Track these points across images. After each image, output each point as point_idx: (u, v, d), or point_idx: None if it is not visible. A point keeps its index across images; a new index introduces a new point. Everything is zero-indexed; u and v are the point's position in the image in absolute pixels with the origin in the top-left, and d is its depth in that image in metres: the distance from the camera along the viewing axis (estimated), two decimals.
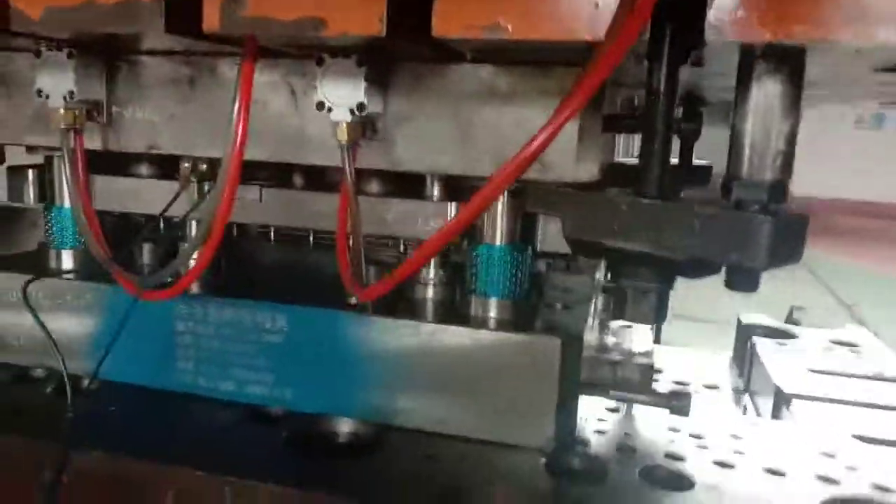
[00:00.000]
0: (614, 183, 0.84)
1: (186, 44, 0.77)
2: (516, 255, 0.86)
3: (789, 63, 0.61)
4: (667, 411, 0.90)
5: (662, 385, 1.41)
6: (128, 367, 0.93)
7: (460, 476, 0.78)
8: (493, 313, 0.86)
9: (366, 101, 0.75)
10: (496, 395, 0.82)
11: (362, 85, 0.75)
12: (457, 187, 0.90)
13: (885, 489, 0.84)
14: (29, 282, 0.91)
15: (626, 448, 0.87)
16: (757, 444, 0.92)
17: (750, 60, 0.62)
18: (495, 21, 0.55)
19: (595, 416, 0.95)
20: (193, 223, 0.95)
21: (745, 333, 1.51)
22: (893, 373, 1.31)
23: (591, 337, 1.24)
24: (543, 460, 0.81)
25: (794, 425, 1.06)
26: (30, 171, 1.03)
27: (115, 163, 0.99)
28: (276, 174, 0.97)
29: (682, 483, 0.81)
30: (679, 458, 0.86)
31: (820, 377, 1.24)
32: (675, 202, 0.66)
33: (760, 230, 0.60)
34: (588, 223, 0.73)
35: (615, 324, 1.39)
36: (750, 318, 1.58)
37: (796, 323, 1.77)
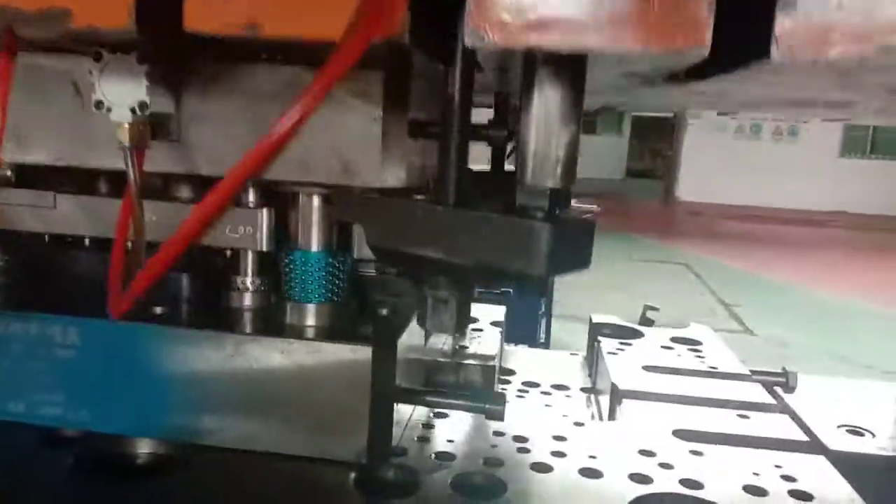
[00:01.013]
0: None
1: None
2: (332, 262, 0.83)
3: (570, 69, 0.61)
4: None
5: (513, 386, 1.42)
6: None
7: (266, 496, 0.74)
8: (306, 321, 0.83)
9: (148, 101, 0.70)
10: (306, 407, 0.78)
11: (144, 83, 0.70)
12: (274, 193, 0.86)
13: (696, 484, 0.87)
14: None
15: (445, 456, 0.86)
16: (579, 445, 0.93)
17: (531, 65, 0.61)
18: (251, 19, 0.52)
19: (421, 423, 0.93)
20: None
21: (594, 333, 1.54)
22: (727, 368, 1.36)
23: (438, 341, 1.23)
24: (353, 475, 0.78)
25: (619, 424, 1.09)
26: None
27: None
28: (82, 180, 0.90)
29: (496, 490, 0.80)
30: (497, 464, 0.85)
31: (653, 375, 1.27)
32: (465, 209, 0.65)
33: (539, 236, 0.59)
34: (388, 231, 0.71)
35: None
36: (600, 318, 1.61)
37: (649, 322, 1.83)
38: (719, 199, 14.25)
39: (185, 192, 0.87)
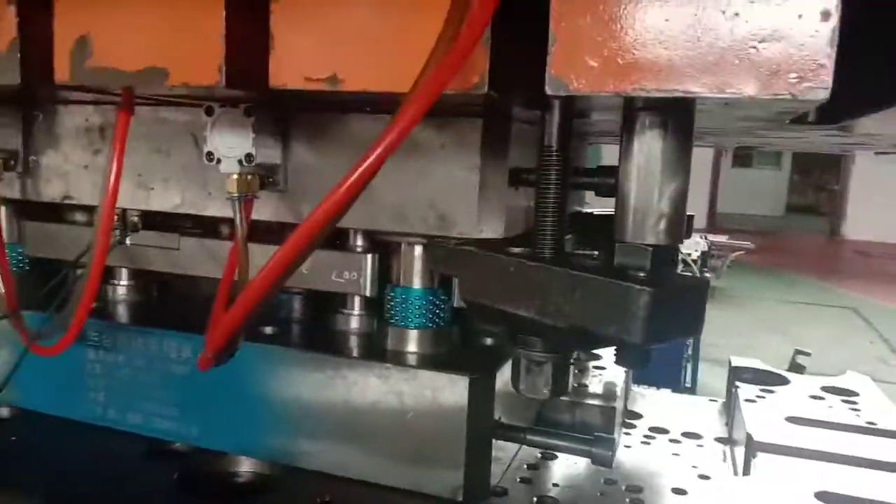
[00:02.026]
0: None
1: (95, 93, 0.76)
2: (432, 298, 0.81)
3: (674, 116, 0.55)
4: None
5: (638, 431, 1.32)
6: (43, 397, 0.91)
7: None
8: (407, 347, 0.81)
9: (254, 152, 0.72)
10: (401, 436, 0.76)
11: (250, 135, 0.72)
12: (380, 240, 0.85)
13: None
14: None
15: (547, 500, 0.80)
16: (702, 501, 0.84)
17: (631, 113, 0.56)
18: (332, 73, 0.52)
19: (526, 464, 0.88)
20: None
21: (733, 378, 1.41)
22: (888, 425, 1.19)
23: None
24: None
25: (752, 481, 0.97)
26: None
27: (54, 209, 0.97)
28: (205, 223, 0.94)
29: None
30: None
31: (798, 427, 1.13)
32: (560, 266, 0.60)
33: (637, 301, 0.54)
34: (482, 285, 0.68)
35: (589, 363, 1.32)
36: (741, 361, 1.47)
37: (800, 369, 1.66)
38: (892, 237, 13.00)
39: None
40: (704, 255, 4.13)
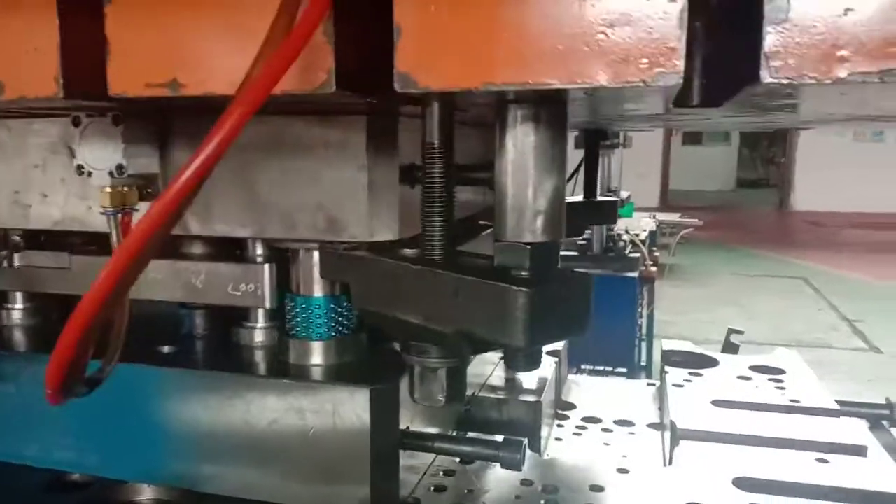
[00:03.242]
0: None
1: None
2: (334, 306, 0.77)
3: (545, 108, 0.53)
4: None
5: (571, 422, 1.31)
6: None
7: None
8: (309, 359, 0.77)
9: (125, 163, 0.67)
10: (305, 454, 0.73)
11: (121, 146, 0.67)
12: (277, 248, 0.81)
13: None
14: None
15: None
16: (618, 498, 0.82)
17: (501, 106, 0.54)
18: (172, 77, 0.48)
19: (442, 469, 0.85)
20: None
21: (664, 362, 1.41)
22: (812, 402, 1.20)
23: (483, 371, 1.15)
24: None
25: (671, 471, 0.96)
26: None
27: None
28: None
29: None
30: None
31: (722, 411, 1.13)
32: (445, 268, 0.58)
33: (516, 302, 0.51)
34: (372, 291, 0.65)
35: None
36: (671, 345, 1.47)
37: (734, 349, 1.67)
38: (839, 207, 13.31)
39: (197, 249, 0.84)
40: (653, 235, 4.16)
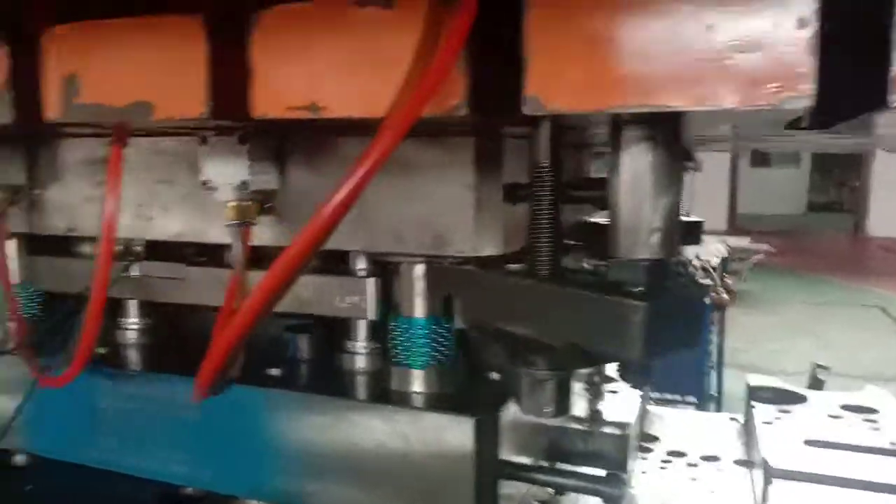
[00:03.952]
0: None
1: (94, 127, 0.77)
2: (435, 328, 0.80)
3: (662, 127, 0.55)
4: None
5: (655, 455, 1.30)
6: (56, 443, 0.91)
7: None
8: (411, 387, 0.80)
9: (249, 180, 0.72)
10: (408, 480, 0.75)
11: (246, 163, 0.72)
12: (384, 262, 0.85)
13: None
14: None
15: None
16: None
17: (618, 125, 0.56)
18: (312, 101, 0.52)
19: (536, 500, 0.87)
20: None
21: (750, 398, 1.39)
22: None
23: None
24: None
25: None
26: None
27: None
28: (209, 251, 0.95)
29: None
30: None
31: (816, 451, 1.11)
32: (557, 283, 0.60)
33: (633, 316, 0.53)
34: (481, 305, 0.67)
35: (603, 387, 1.30)
36: (758, 380, 1.45)
37: (819, 384, 1.63)
38: None
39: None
40: (725, 261, 4.08)
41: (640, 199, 0.55)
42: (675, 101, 0.45)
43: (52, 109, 0.60)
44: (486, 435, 0.74)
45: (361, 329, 0.87)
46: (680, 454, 1.29)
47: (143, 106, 0.57)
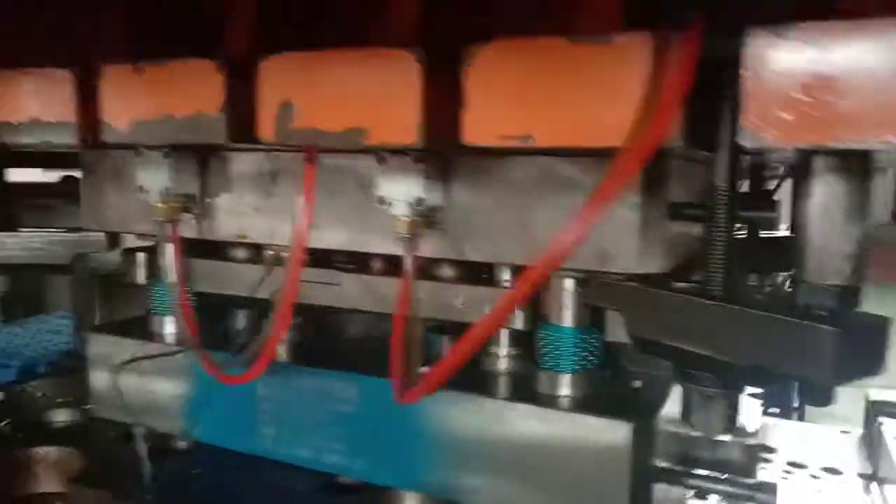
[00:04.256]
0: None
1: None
2: (583, 338, 0.83)
3: (856, 158, 0.56)
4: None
5: (775, 466, 1.30)
6: (218, 431, 0.99)
7: None
8: (562, 391, 0.83)
9: (424, 196, 0.76)
10: (562, 478, 0.78)
11: (421, 181, 0.76)
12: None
13: None
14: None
15: None
16: None
17: (808, 153, 0.58)
18: (525, 132, 0.55)
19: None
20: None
21: (873, 412, 1.37)
22: None
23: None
24: None
25: None
26: (139, 254, 1.11)
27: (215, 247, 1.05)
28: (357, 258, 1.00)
29: None
30: None
31: None
32: (735, 303, 0.62)
33: (826, 342, 0.55)
34: (649, 321, 0.70)
35: None
36: (879, 394, 1.43)
37: None
38: None
39: (447, 272, 0.93)
40: None
41: (832, 225, 0.57)
42: (890, 137, 0.47)
43: (267, 132, 0.65)
44: (643, 439, 0.76)
45: (504, 335, 0.91)
46: (801, 465, 1.29)
47: (357, 132, 0.62)
